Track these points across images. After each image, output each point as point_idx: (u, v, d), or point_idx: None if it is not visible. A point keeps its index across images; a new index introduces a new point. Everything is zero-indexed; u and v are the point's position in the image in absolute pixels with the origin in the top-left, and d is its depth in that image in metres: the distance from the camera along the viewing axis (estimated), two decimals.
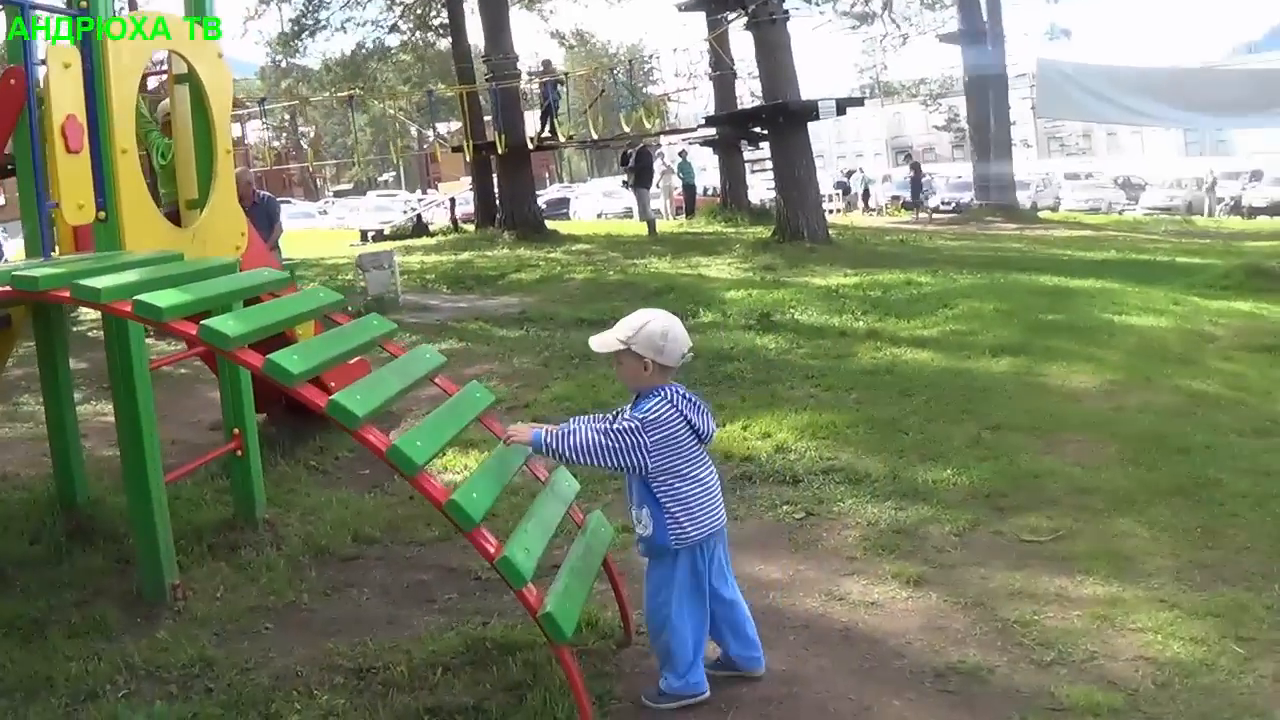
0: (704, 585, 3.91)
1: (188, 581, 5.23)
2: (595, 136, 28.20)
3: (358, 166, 60.07)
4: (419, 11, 33.04)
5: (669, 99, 30.25)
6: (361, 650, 4.46)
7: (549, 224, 26.32)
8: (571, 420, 3.89)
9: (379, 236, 29.30)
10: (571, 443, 3.75)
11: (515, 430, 3.95)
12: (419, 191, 49.32)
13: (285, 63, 39.27)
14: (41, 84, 5.46)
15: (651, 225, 24.83)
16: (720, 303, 13.02)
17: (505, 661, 4.25)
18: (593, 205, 42.34)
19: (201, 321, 3.87)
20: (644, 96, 31.89)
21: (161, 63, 8.03)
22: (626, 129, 26.36)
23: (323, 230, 35.63)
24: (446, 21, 29.90)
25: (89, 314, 12.65)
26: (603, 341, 3.84)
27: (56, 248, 5.57)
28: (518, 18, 32.43)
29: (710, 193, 35.15)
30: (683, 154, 33.86)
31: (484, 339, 11.85)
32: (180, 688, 4.24)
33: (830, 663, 4.24)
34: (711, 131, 27.16)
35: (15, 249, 21.07)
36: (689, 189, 33.04)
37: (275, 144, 35.28)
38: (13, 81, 5.80)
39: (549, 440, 3.78)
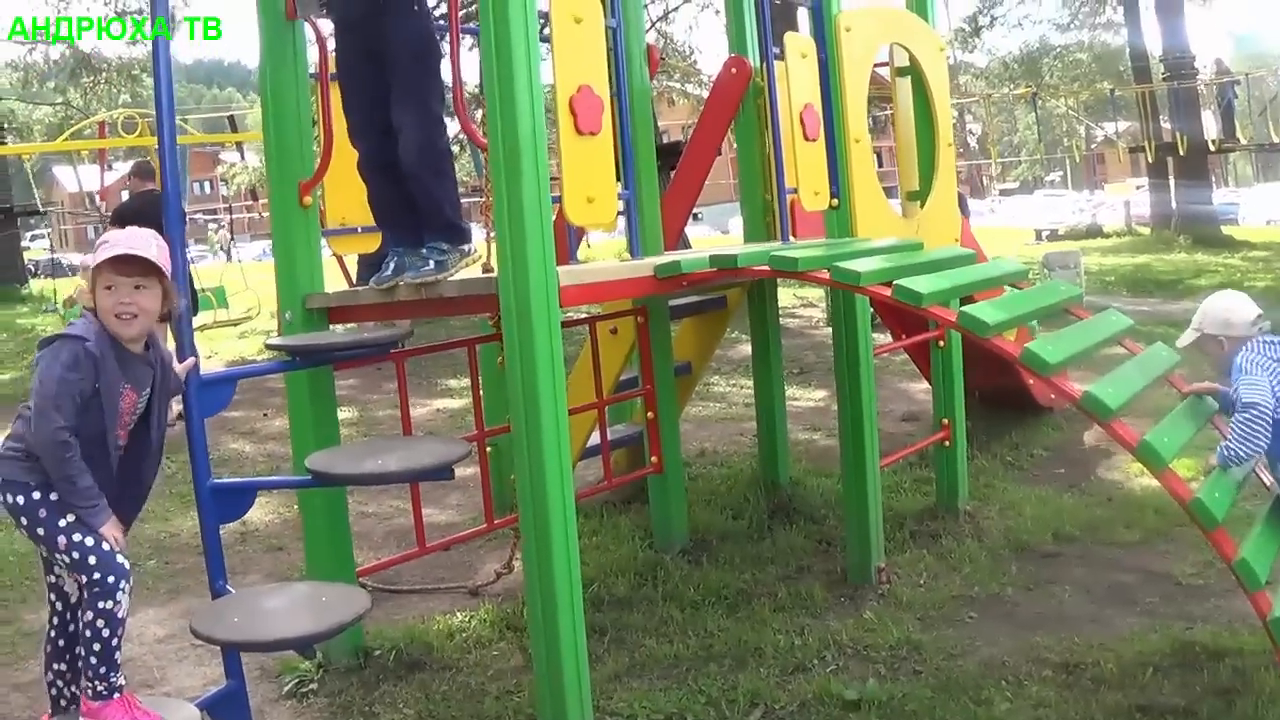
0: None
1: (891, 566, 5.34)
2: (1277, 139, 26.25)
3: (1024, 165, 58.97)
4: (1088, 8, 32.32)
5: None
6: (1068, 645, 4.43)
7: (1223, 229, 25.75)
8: None
9: (1053, 236, 29.59)
10: (1236, 447, 3.74)
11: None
12: (1086, 191, 47.84)
13: (955, 58, 39.40)
14: (760, 73, 5.76)
15: None
16: None
17: (1214, 666, 4.13)
18: (1262, 211, 39.65)
19: (961, 309, 3.89)
20: None
21: None
22: None
23: (992, 228, 35.42)
24: (1120, 20, 28.98)
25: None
26: (1182, 337, 4.12)
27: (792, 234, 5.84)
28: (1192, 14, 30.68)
29: None
30: None
31: (1171, 343, 11.26)
32: (888, 668, 4.32)
33: None
34: None
35: (697, 233, 22.73)
36: None
37: None
38: (734, 70, 6.18)
39: (1225, 453, 3.77)
